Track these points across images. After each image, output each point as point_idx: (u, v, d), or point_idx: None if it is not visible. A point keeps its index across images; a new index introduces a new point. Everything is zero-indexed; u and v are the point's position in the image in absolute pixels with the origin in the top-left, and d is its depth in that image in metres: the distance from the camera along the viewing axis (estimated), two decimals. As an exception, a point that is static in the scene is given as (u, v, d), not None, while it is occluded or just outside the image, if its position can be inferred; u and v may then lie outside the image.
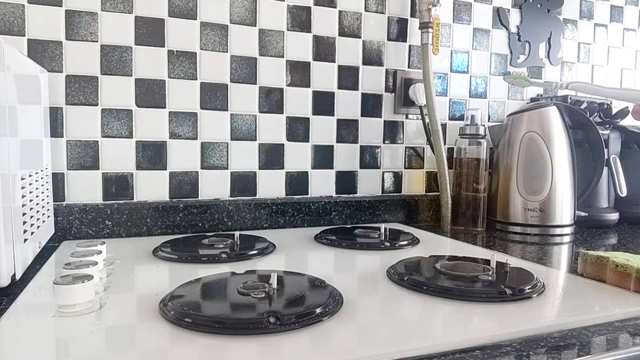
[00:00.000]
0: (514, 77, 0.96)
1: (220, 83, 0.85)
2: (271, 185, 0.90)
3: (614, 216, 1.00)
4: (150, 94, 0.81)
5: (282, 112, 0.90)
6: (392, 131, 1.00)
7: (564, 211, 0.92)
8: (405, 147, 1.02)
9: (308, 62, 0.91)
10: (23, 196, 0.54)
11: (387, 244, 0.74)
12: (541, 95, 1.14)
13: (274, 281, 0.47)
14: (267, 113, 0.89)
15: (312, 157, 0.93)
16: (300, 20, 0.90)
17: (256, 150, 0.89)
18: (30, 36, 0.73)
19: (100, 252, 0.56)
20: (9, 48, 0.51)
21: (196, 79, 0.84)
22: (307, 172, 0.93)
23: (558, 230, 0.91)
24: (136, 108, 0.80)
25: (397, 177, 1.02)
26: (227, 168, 0.87)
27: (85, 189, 0.78)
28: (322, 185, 0.95)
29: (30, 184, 0.58)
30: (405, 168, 1.02)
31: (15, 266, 0.50)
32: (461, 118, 1.06)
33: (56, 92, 0.75)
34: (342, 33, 0.94)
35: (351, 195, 0.97)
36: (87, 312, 0.43)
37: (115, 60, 0.78)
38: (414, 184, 1.04)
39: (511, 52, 1.11)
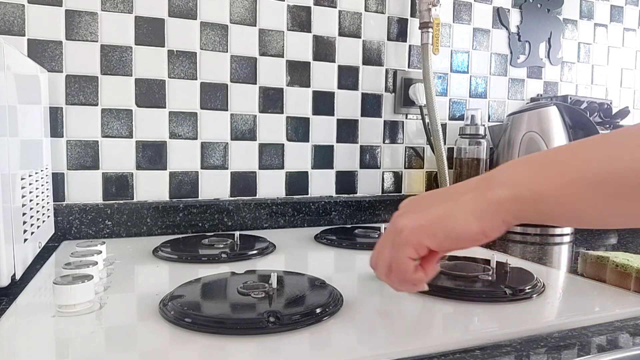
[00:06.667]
0: None
1: (220, 83, 0.85)
2: (271, 185, 0.90)
3: (614, 216, 1.00)
4: (150, 93, 0.81)
5: (282, 112, 0.90)
6: (392, 131, 1.00)
7: (564, 211, 0.92)
8: (405, 147, 1.02)
9: (308, 62, 0.91)
10: (23, 196, 0.54)
11: (387, 244, 0.74)
12: (541, 95, 1.14)
13: (274, 281, 0.47)
14: (267, 113, 0.89)
15: (312, 157, 0.93)
16: (300, 20, 0.90)
17: (256, 150, 0.89)
18: (30, 36, 0.73)
19: (100, 252, 0.56)
20: (9, 48, 0.51)
21: (196, 79, 0.84)
22: (307, 172, 0.93)
23: (558, 230, 0.91)
24: (136, 108, 0.80)
25: (397, 177, 1.02)
26: (227, 168, 0.87)
27: (85, 189, 0.78)
28: (322, 185, 0.94)
29: (30, 184, 0.58)
30: (405, 168, 1.02)
31: (15, 266, 0.50)
32: (461, 118, 1.06)
33: (56, 92, 0.75)
34: (342, 33, 0.94)
35: (351, 195, 0.97)
36: (87, 312, 0.43)
37: (115, 60, 0.78)
38: (414, 183, 1.03)
39: (511, 52, 1.11)
